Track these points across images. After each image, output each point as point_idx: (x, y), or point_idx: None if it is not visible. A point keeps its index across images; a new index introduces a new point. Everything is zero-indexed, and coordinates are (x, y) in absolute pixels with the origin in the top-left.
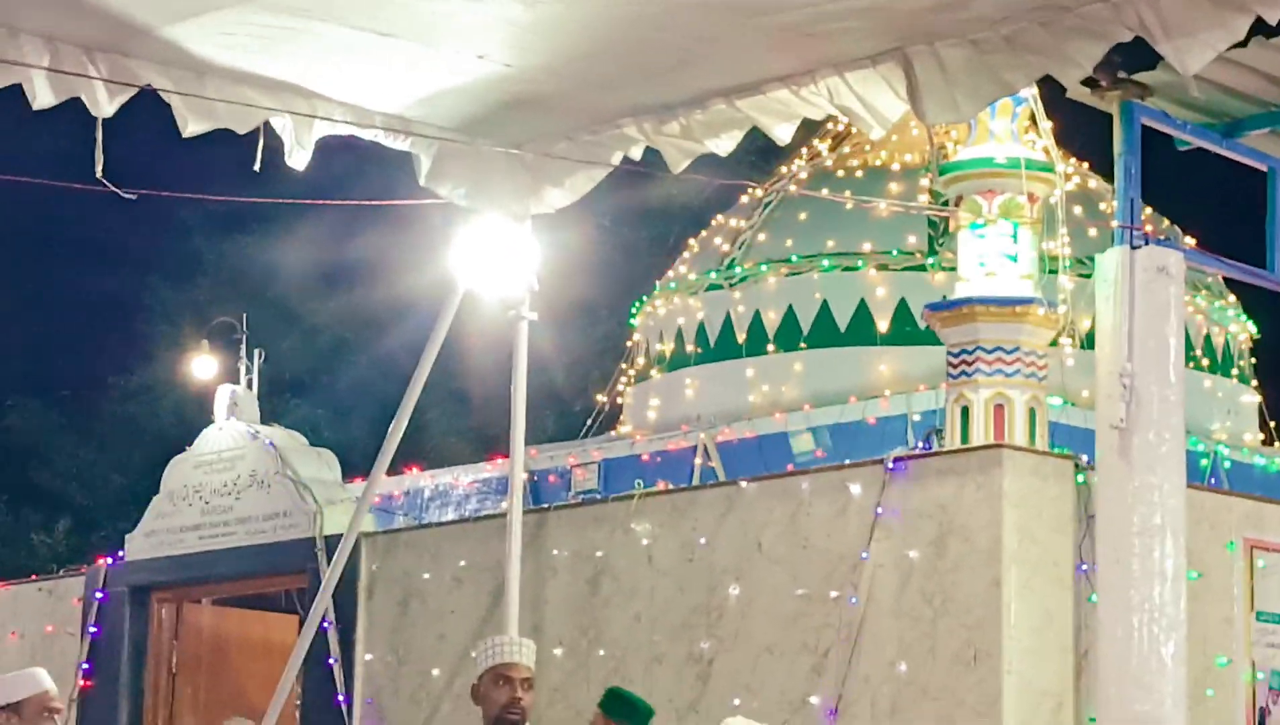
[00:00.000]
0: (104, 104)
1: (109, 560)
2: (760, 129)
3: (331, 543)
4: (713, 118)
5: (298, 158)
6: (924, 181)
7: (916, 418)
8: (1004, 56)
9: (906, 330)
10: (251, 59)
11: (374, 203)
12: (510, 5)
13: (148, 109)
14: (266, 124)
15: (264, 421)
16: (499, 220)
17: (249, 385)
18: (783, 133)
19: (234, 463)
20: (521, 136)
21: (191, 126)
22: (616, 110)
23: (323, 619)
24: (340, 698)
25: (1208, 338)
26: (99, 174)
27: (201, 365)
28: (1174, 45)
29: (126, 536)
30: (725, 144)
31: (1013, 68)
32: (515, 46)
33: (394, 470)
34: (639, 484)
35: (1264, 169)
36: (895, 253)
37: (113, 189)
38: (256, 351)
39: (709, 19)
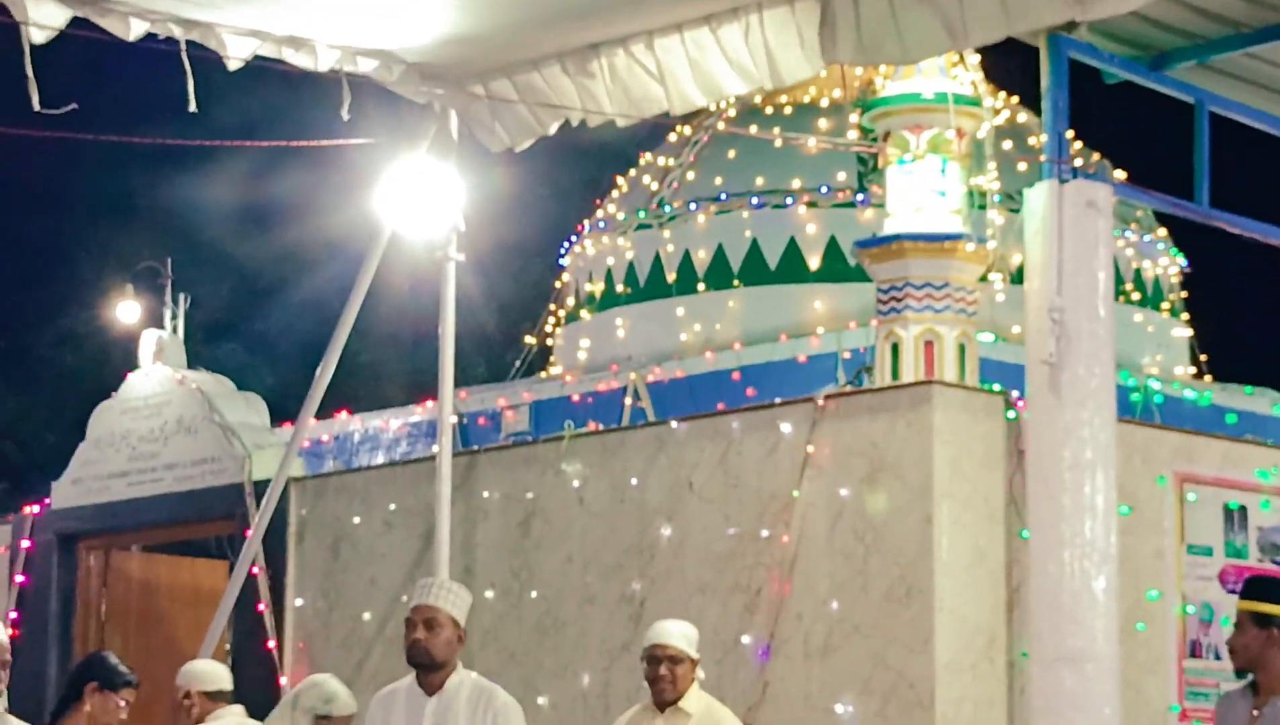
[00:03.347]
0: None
1: (35, 508)
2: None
3: (260, 488)
4: (631, 68)
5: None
6: (853, 118)
7: (847, 355)
8: (912, 17)
9: (837, 267)
10: None
11: (300, 144)
12: None
13: (73, 42)
14: (193, 61)
15: (191, 366)
16: (425, 159)
17: (174, 330)
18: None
19: (161, 408)
20: (451, 72)
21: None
22: (542, 52)
23: (252, 564)
24: (270, 643)
25: (1138, 272)
26: (36, 106)
27: (126, 310)
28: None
29: (53, 484)
30: (641, 110)
31: (918, 34)
32: None
33: (323, 414)
34: (569, 425)
35: (1191, 101)
36: (825, 190)
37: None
38: (182, 296)
39: None
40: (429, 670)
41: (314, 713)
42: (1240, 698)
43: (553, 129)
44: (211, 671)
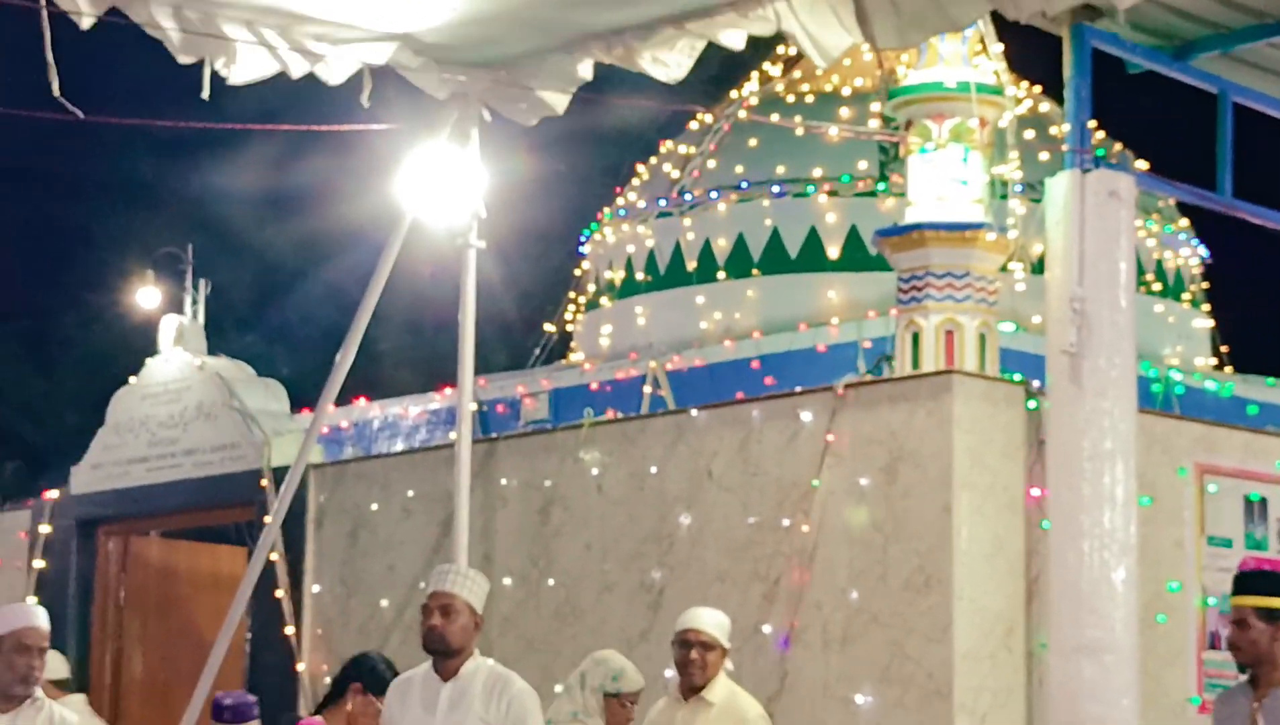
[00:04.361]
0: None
1: (54, 493)
2: (713, 44)
3: (279, 474)
4: (662, 40)
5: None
6: (875, 106)
7: (867, 344)
8: None
9: (857, 256)
10: None
11: (321, 128)
12: None
13: (93, 33)
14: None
15: (211, 352)
16: (446, 146)
17: (195, 316)
18: (732, 40)
19: (180, 394)
20: (478, 58)
21: (183, 56)
22: (567, 35)
23: (271, 551)
24: (288, 629)
25: (1159, 262)
26: (56, 92)
27: (146, 295)
28: None
29: (72, 469)
30: (674, 71)
31: (959, 2)
32: None
33: (343, 401)
34: (589, 413)
35: (1215, 91)
36: (846, 178)
37: (71, 108)
38: (202, 281)
39: None
40: (445, 657)
41: (603, 690)
42: (1240, 693)
43: (563, 108)
44: (55, 660)
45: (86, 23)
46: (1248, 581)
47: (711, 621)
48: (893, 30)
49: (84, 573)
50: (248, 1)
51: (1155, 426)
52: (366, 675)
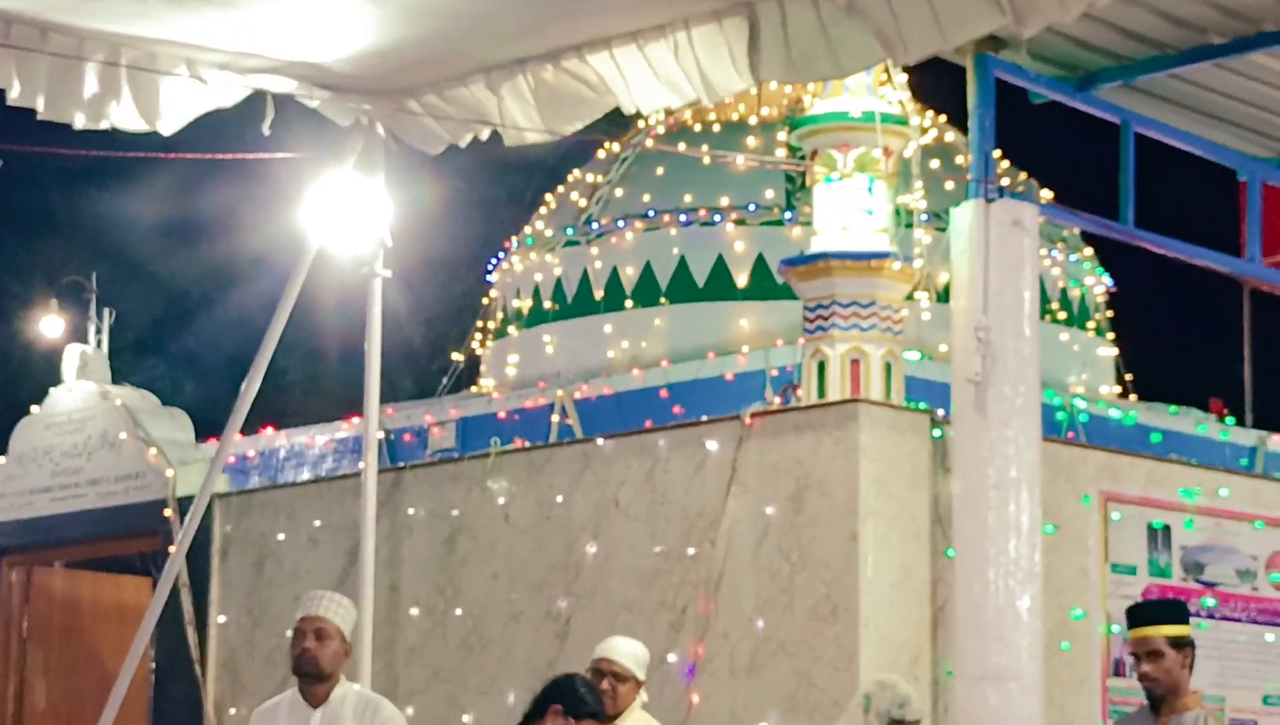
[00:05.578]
0: None
1: None
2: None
3: (185, 504)
4: (560, 79)
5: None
6: (781, 136)
7: (774, 373)
8: (843, 31)
9: (765, 285)
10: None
11: (226, 156)
12: None
13: None
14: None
15: (116, 381)
16: (352, 174)
17: (98, 345)
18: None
19: (84, 424)
20: (383, 86)
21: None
22: (469, 66)
23: (176, 581)
24: (194, 660)
25: (1064, 291)
26: None
27: (49, 324)
28: (1014, 9)
29: None
30: (566, 126)
31: (850, 48)
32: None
33: (249, 430)
34: (496, 442)
35: (1117, 122)
36: (753, 207)
37: None
38: (106, 310)
39: None
40: (315, 681)
41: (889, 716)
42: (1139, 719)
43: (465, 141)
44: None
45: None
46: (1155, 612)
47: (625, 652)
48: (780, 64)
49: None
50: (149, 35)
51: (1059, 454)
52: (568, 698)
